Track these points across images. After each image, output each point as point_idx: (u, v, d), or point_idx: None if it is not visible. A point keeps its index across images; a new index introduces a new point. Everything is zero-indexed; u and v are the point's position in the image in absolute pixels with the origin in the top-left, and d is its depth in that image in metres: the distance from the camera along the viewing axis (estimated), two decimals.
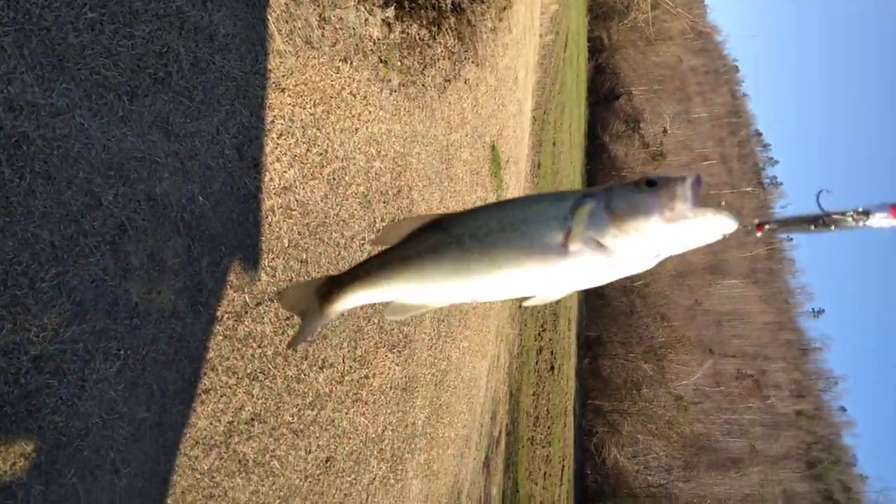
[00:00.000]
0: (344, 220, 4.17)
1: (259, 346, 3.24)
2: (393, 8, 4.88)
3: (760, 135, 47.53)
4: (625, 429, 33.01)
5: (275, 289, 3.40)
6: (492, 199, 8.19)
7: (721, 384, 36.71)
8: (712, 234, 1.16)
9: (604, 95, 40.88)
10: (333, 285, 1.41)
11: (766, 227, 1.37)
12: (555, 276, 1.18)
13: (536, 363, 15.49)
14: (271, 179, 3.35)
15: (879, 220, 1.28)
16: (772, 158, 47.67)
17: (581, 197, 1.18)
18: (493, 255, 1.19)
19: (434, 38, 5.72)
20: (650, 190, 1.16)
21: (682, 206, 1.15)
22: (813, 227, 1.34)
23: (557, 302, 18.99)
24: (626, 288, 36.38)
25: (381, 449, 4.66)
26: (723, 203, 1.25)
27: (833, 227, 1.32)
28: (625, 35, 37.94)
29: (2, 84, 1.97)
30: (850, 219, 1.30)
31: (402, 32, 5.07)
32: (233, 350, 3.05)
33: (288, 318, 3.52)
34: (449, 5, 6.31)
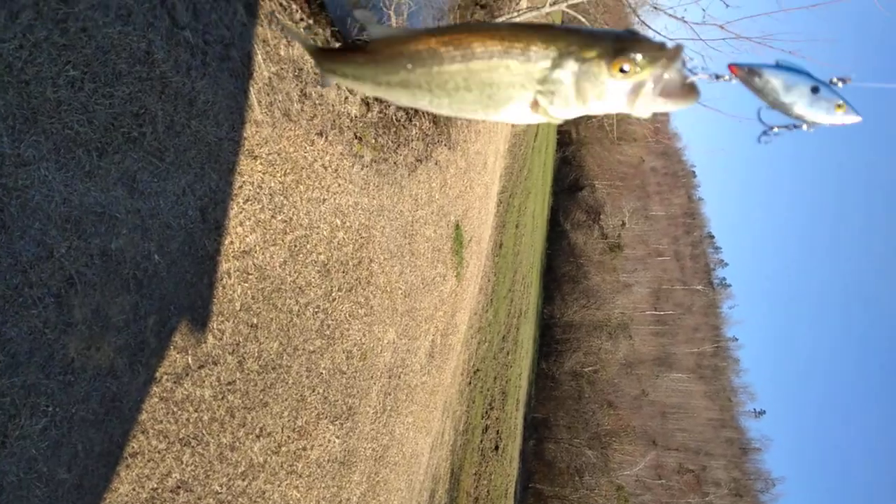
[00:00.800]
0: (300, 288, 4.16)
1: (196, 411, 3.15)
2: None
3: (713, 237, 49.76)
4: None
5: (219, 352, 3.34)
6: (451, 276, 8.30)
7: (662, 477, 36.56)
8: (673, 109, 1.14)
9: (568, 185, 42.43)
10: (320, 61, 1.48)
11: (739, 70, 1.27)
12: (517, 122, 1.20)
13: (481, 441, 15.23)
14: (231, 242, 3.37)
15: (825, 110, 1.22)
16: (722, 260, 49.74)
17: (551, 68, 1.12)
18: (461, 107, 1.22)
19: (410, 121, 5.94)
20: (621, 79, 1.10)
21: (650, 98, 1.11)
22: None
23: (507, 381, 18.82)
24: (576, 373, 36.53)
25: None
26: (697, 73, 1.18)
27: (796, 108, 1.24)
28: (592, 132, 39.90)
29: None
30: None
31: (380, 112, 5.27)
32: (167, 413, 2.95)
33: (230, 384, 3.45)
34: None
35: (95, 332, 2.49)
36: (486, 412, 16.04)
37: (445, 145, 7.08)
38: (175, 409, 3.02)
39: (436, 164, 6.83)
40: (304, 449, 4.39)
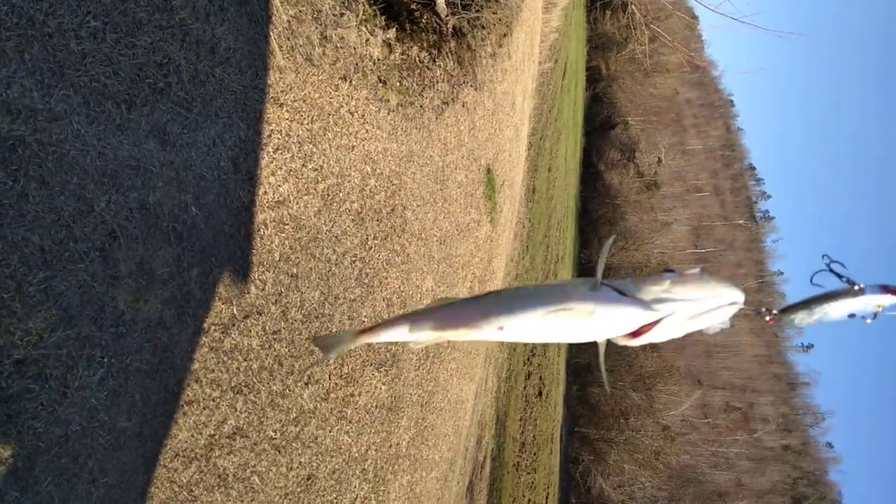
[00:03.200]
0: (336, 237, 4.17)
1: (245, 360, 3.22)
2: (394, 30, 4.95)
3: (754, 169, 48.15)
4: (611, 458, 32.77)
5: (263, 302, 3.39)
6: (485, 222, 8.23)
7: (709, 416, 36.61)
8: (722, 302, 1.28)
9: (600, 124, 41.36)
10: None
11: (777, 315, 1.41)
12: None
13: (525, 388, 15.42)
14: (265, 193, 3.37)
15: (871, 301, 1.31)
16: (764, 193, 48.23)
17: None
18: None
19: (434, 61, 5.79)
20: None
21: (693, 274, 1.36)
22: (818, 310, 1.36)
23: None
24: None
25: (364, 469, 4.61)
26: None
27: (832, 312, 1.34)
28: (622, 66, 38.50)
29: (1, 88, 1.99)
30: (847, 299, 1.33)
31: (403, 54, 5.14)
32: (218, 362, 3.03)
33: (275, 333, 3.51)
34: (450, 29, 6.40)
35: (142, 285, 2.54)
36: (528, 359, 16.19)
37: (472, 86, 6.90)
38: (225, 359, 3.09)
39: (463, 105, 6.68)
40: (352, 395, 4.48)
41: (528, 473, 15.46)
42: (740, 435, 36.65)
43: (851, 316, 1.32)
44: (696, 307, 1.32)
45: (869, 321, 1.30)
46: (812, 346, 45.82)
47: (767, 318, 1.39)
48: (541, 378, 17.66)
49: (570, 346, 30.49)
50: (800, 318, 1.39)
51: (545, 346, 18.49)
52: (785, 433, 38.47)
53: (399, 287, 5.27)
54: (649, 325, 1.34)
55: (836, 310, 1.34)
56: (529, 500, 15.53)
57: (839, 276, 1.36)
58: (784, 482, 36.45)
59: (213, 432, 2.99)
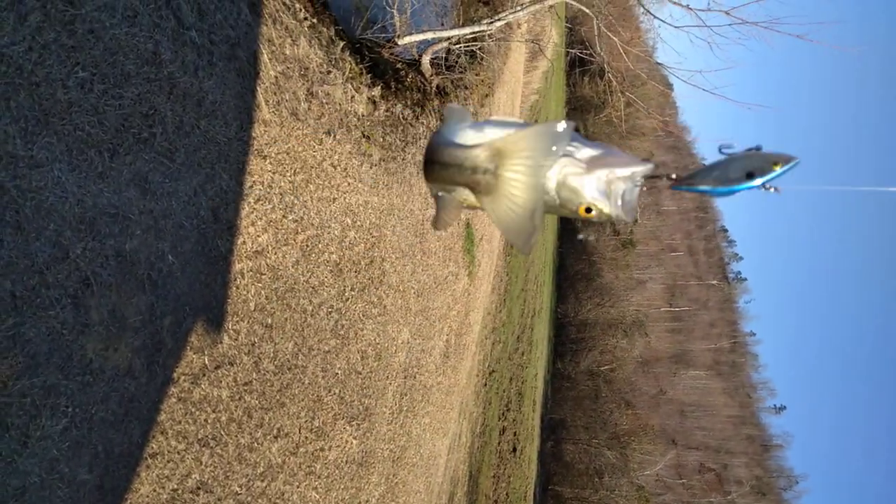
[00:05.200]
0: (314, 287, 4.17)
1: (213, 412, 3.15)
2: (379, 87, 5.10)
3: (726, 231, 49.38)
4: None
5: (235, 353, 3.35)
6: (463, 275, 8.28)
7: (683, 476, 36.21)
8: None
9: None
10: None
11: (678, 180, 1.38)
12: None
13: (499, 443, 15.16)
14: (244, 243, 3.38)
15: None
16: (737, 254, 49.35)
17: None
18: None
19: (417, 119, 5.94)
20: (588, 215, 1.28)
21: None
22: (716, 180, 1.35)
23: (523, 381, 18.71)
24: (592, 372, 36.30)
25: None
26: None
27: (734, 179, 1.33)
28: (600, 128, 39.68)
29: None
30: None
31: (387, 111, 5.27)
32: (186, 413, 2.96)
33: (247, 384, 3.45)
34: (434, 89, 6.60)
35: (113, 333, 2.50)
36: (503, 413, 15.98)
37: None
38: (193, 410, 3.02)
39: None
40: (322, 450, 4.38)
41: None
42: (714, 497, 36.22)
43: (750, 177, 1.32)
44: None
45: (773, 190, 1.30)
46: (784, 407, 46.05)
47: (668, 182, 1.38)
48: (515, 433, 17.40)
49: (545, 401, 30.19)
50: (699, 180, 1.39)
51: (521, 400, 18.30)
52: (759, 496, 38.14)
53: (374, 339, 5.24)
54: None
55: (735, 170, 1.35)
56: None
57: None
58: None
59: (175, 486, 2.90)
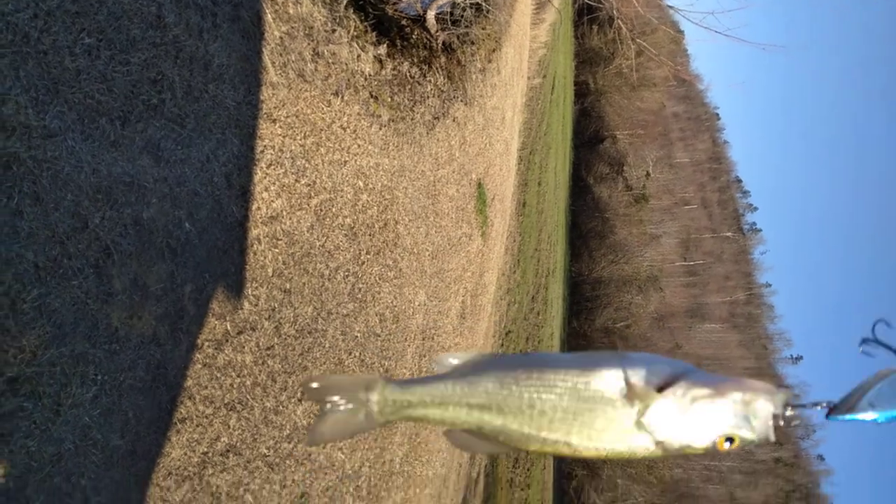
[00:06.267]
0: (329, 252, 4.18)
1: (238, 376, 3.20)
2: (385, 46, 5.00)
3: (740, 181, 48.69)
4: (604, 473, 32.62)
5: (256, 318, 3.38)
6: (476, 236, 8.26)
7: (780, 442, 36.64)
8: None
9: (589, 138, 41.71)
10: (393, 414, 1.24)
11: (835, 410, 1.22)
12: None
13: None
14: (258, 208, 3.37)
15: None
16: (751, 205, 48.75)
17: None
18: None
19: (424, 77, 5.84)
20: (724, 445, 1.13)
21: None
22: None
23: (539, 341, 18.84)
24: (607, 329, 36.49)
25: (358, 486, 4.58)
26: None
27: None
28: (610, 80, 38.96)
29: None
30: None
31: (394, 70, 5.18)
32: (211, 379, 3.01)
33: (269, 348, 3.49)
34: (440, 45, 6.47)
35: (136, 301, 2.52)
36: None
37: (462, 101, 6.96)
38: (218, 375, 3.07)
39: (453, 120, 6.73)
40: None
41: (522, 490, 15.37)
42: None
43: None
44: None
45: None
46: (801, 357, 46.12)
47: (825, 414, 1.22)
48: None
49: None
50: (856, 403, 1.21)
51: (536, 348, 18.45)
52: (777, 446, 38.53)
53: (392, 302, 5.27)
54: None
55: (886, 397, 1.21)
56: None
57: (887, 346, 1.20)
58: (776, 495, 36.47)
59: (206, 450, 2.96)
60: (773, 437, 1.11)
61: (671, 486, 34.14)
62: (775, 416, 1.11)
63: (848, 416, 1.16)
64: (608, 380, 1.13)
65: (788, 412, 1.12)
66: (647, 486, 33.24)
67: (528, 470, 16.03)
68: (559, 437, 1.14)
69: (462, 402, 1.18)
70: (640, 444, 1.11)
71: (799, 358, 46.14)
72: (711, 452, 1.13)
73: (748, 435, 1.10)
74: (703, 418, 1.10)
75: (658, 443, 1.11)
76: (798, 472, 37.87)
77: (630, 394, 1.11)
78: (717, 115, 49.21)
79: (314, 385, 1.22)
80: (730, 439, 1.09)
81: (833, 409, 1.17)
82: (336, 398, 1.21)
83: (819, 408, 1.17)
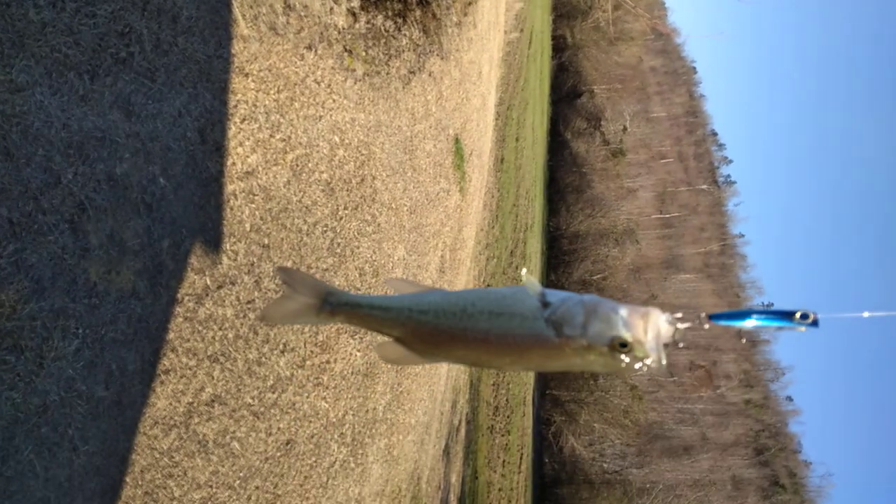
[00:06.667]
0: (307, 207, 4.19)
1: (220, 329, 3.26)
2: None
3: (716, 135, 48.92)
4: (582, 418, 33.69)
5: (235, 273, 3.42)
6: (454, 191, 8.29)
7: (675, 374, 37.77)
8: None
9: (566, 93, 41.39)
10: (343, 305, 1.49)
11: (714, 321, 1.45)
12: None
13: None
14: (233, 164, 3.37)
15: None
16: (726, 158, 49.13)
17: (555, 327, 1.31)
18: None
19: (399, 30, 5.76)
20: (620, 353, 1.28)
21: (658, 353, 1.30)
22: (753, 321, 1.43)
23: None
24: (584, 281, 37.04)
25: (342, 433, 4.72)
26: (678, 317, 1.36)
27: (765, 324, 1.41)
28: (587, 35, 38.44)
29: None
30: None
31: (368, 23, 5.10)
32: (193, 332, 3.06)
33: (249, 303, 3.54)
34: None
35: (113, 257, 2.55)
36: None
37: (438, 55, 6.88)
38: (200, 328, 3.12)
39: (429, 75, 6.67)
40: (328, 362, 4.56)
41: (503, 436, 15.85)
42: (705, 391, 37.99)
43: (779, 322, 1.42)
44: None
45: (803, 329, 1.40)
46: (772, 304, 47.37)
47: (706, 324, 1.45)
48: None
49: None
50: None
51: None
52: (747, 388, 40.00)
53: (371, 256, 5.32)
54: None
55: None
56: (504, 461, 15.96)
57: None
58: (746, 435, 38.05)
59: (191, 400, 3.04)
60: (662, 350, 1.29)
61: (646, 429, 35.41)
62: (662, 328, 1.31)
63: (725, 322, 1.43)
64: (526, 292, 1.37)
65: (675, 325, 1.32)
66: (623, 429, 34.44)
67: (508, 417, 16.50)
68: (479, 330, 1.35)
69: (404, 307, 1.42)
70: (548, 338, 1.30)
71: (770, 305, 47.36)
72: (613, 366, 1.30)
73: (640, 339, 1.27)
74: (602, 322, 1.29)
75: (564, 337, 1.29)
76: (767, 412, 39.46)
77: (543, 301, 1.34)
78: (694, 68, 49.04)
79: (286, 272, 1.57)
80: (624, 344, 1.27)
81: (711, 317, 1.41)
82: (299, 289, 1.50)
83: (698, 321, 1.39)
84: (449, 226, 8.23)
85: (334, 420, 4.55)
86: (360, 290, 5.11)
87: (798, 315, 1.36)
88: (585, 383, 34.24)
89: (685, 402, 37.11)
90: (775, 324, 1.40)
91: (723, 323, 1.43)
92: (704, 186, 45.74)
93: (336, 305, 1.48)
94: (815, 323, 1.35)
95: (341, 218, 4.73)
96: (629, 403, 34.52)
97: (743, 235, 47.11)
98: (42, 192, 2.22)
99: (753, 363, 41.89)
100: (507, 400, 16.36)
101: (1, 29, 2.06)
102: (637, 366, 1.28)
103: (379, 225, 5.51)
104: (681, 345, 1.33)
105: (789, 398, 41.84)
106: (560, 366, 1.33)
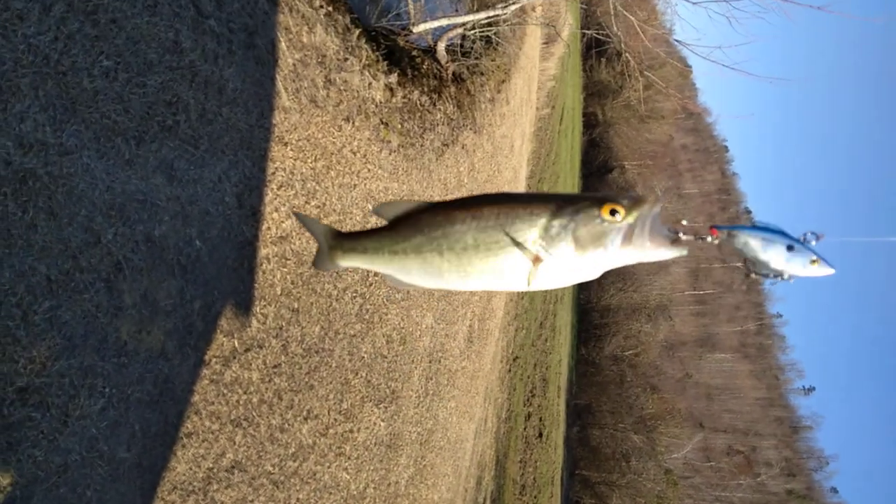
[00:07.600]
0: (338, 273, 4.22)
1: (245, 393, 3.22)
2: (396, 74, 5.12)
3: (750, 212, 48.57)
4: (613, 501, 32.00)
5: (264, 336, 3.41)
6: None
7: (711, 459, 35.95)
8: (663, 258, 1.28)
9: (597, 167, 41.91)
10: (337, 243, 1.61)
11: (720, 232, 1.45)
12: (517, 289, 1.36)
13: (525, 429, 15.20)
14: (268, 228, 3.43)
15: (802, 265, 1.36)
16: None
17: (550, 218, 1.28)
18: (466, 271, 1.37)
19: (434, 105, 5.95)
20: (612, 222, 1.25)
21: (640, 241, 1.27)
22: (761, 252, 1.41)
23: (547, 367, 18.71)
24: (616, 357, 36.12)
25: None
26: (682, 224, 1.41)
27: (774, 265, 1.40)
28: (618, 112, 39.28)
29: (15, 122, 2.07)
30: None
31: (404, 97, 5.29)
32: (218, 395, 3.03)
33: (275, 367, 3.52)
34: (450, 75, 6.60)
35: (145, 316, 2.57)
36: (528, 399, 16.01)
37: (471, 129, 7.07)
38: (225, 391, 3.10)
39: (462, 147, 6.83)
40: (351, 431, 4.45)
41: None
42: (743, 479, 35.90)
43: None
44: (630, 261, 1.32)
45: (791, 280, 1.38)
46: (813, 388, 45.40)
47: (709, 238, 1.43)
48: (541, 419, 17.42)
49: (570, 387, 30.15)
50: (739, 241, 1.47)
51: (545, 386, 18.31)
52: (788, 478, 37.71)
53: (399, 323, 5.29)
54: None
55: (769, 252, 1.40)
56: None
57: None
58: None
59: (211, 465, 2.98)
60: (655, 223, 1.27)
61: None
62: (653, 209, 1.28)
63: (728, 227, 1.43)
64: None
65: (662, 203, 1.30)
66: None
67: (535, 497, 15.76)
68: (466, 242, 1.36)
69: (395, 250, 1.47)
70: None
71: (811, 389, 45.38)
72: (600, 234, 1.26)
73: (630, 208, 1.25)
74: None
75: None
76: None
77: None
78: (726, 147, 49.42)
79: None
80: (614, 211, 1.24)
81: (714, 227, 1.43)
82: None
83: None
84: (478, 295, 8.19)
85: (355, 493, 4.39)
86: (386, 357, 5.05)
87: (806, 235, 1.34)
88: (617, 464, 32.74)
89: (723, 490, 35.09)
90: (781, 241, 1.38)
91: (726, 229, 1.43)
92: (739, 264, 44.93)
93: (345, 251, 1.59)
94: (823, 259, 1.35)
95: (371, 284, 4.74)
96: (663, 489, 32.78)
97: (781, 315, 45.84)
98: (81, 250, 2.27)
99: (795, 450, 39.71)
100: (534, 479, 15.69)
101: (55, 95, 2.18)
102: (626, 224, 1.24)
103: (408, 292, 5.50)
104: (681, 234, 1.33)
105: (834, 489, 39.30)
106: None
